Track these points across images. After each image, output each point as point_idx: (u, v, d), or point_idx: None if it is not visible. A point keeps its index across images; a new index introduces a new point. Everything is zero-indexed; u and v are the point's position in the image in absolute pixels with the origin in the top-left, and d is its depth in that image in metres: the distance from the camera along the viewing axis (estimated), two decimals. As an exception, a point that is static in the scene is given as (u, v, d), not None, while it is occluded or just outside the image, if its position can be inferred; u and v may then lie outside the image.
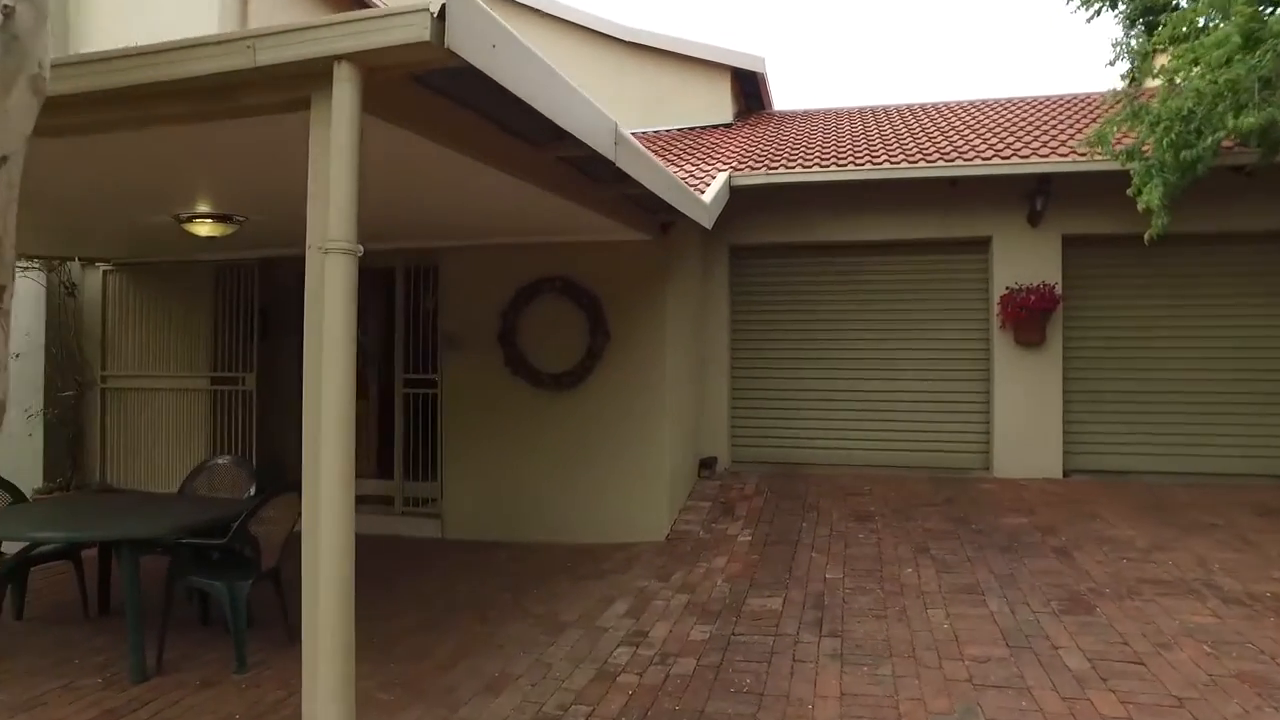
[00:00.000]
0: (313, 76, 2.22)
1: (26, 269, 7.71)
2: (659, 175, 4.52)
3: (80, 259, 7.85)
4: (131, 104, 2.42)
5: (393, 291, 7.36)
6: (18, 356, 7.77)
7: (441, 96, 2.72)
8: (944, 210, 8.01)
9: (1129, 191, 6.15)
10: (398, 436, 7.20)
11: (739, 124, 11.05)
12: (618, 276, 6.63)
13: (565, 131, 3.06)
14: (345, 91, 2.16)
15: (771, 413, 8.58)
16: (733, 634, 4.42)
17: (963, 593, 4.90)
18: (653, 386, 6.60)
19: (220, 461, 5.29)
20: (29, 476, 7.86)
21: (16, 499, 5.07)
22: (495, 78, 2.34)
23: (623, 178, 4.37)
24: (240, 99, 2.34)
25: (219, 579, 4.06)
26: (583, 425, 6.66)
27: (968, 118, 9.60)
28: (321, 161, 2.21)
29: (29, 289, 7.82)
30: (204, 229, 4.82)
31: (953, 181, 7.77)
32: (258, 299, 7.59)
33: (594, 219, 5.30)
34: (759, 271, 8.72)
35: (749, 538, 6.30)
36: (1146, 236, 6.07)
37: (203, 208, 4.68)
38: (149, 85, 2.30)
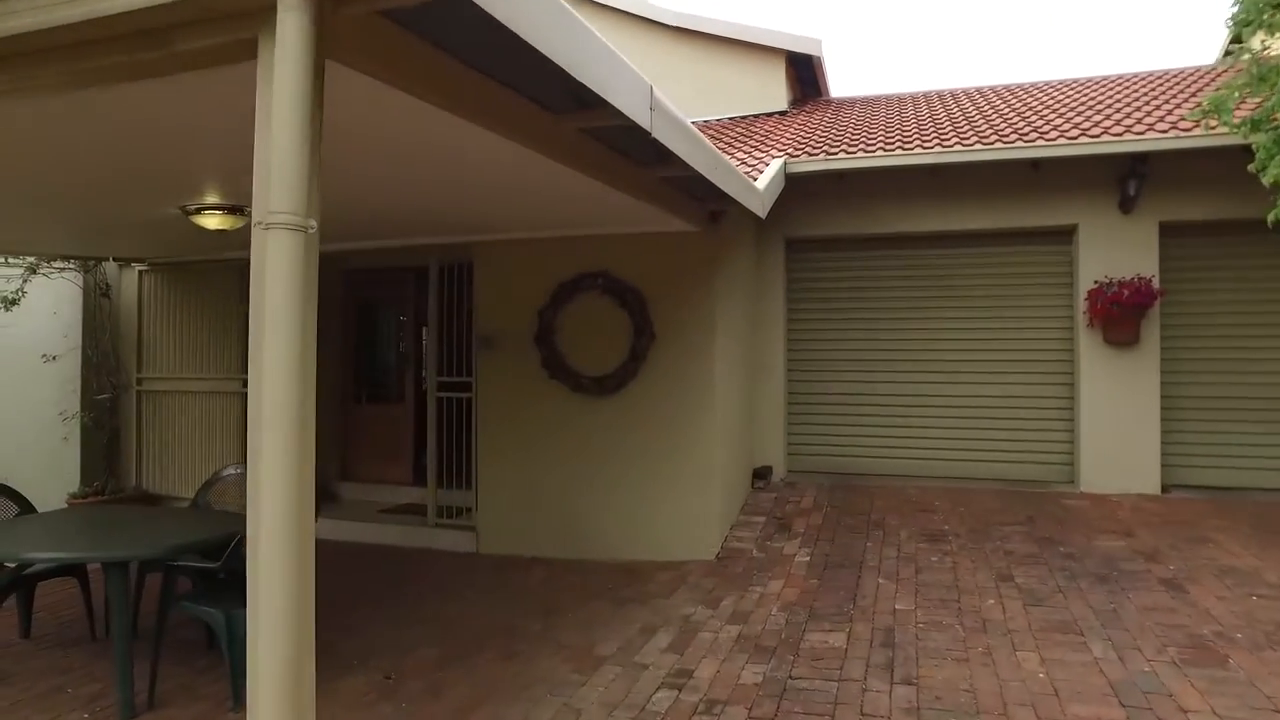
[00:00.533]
0: (258, 12, 1.76)
1: (63, 270, 7.57)
2: (703, 151, 3.97)
3: (115, 259, 7.67)
4: (54, 58, 2.00)
5: (426, 290, 6.98)
6: (55, 359, 7.64)
7: (429, 43, 2.24)
8: (1023, 197, 7.27)
9: (1251, 167, 5.34)
10: (430, 443, 6.81)
11: (794, 112, 10.42)
12: (663, 272, 6.11)
13: (587, 91, 2.56)
14: (292, 25, 1.69)
15: (831, 419, 7.94)
16: (789, 677, 3.85)
17: (1056, 631, 4.23)
18: (701, 390, 6.05)
19: (231, 472, 4.93)
20: (66, 481, 7.72)
21: (24, 509, 4.81)
22: (486, 8, 1.84)
23: (663, 157, 3.85)
24: (176, 43, 1.90)
25: (216, 605, 3.67)
26: (625, 432, 6.15)
27: (1048, 98, 8.79)
28: (265, 115, 1.74)
29: (66, 290, 7.68)
30: (212, 221, 4.46)
31: (1034, 164, 7.03)
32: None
33: (634, 207, 4.79)
34: (817, 266, 8.09)
35: (807, 558, 5.71)
36: (1271, 219, 5.26)
37: (208, 198, 4.31)
38: (66, 29, 1.87)
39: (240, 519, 4.26)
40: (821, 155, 7.38)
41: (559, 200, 4.67)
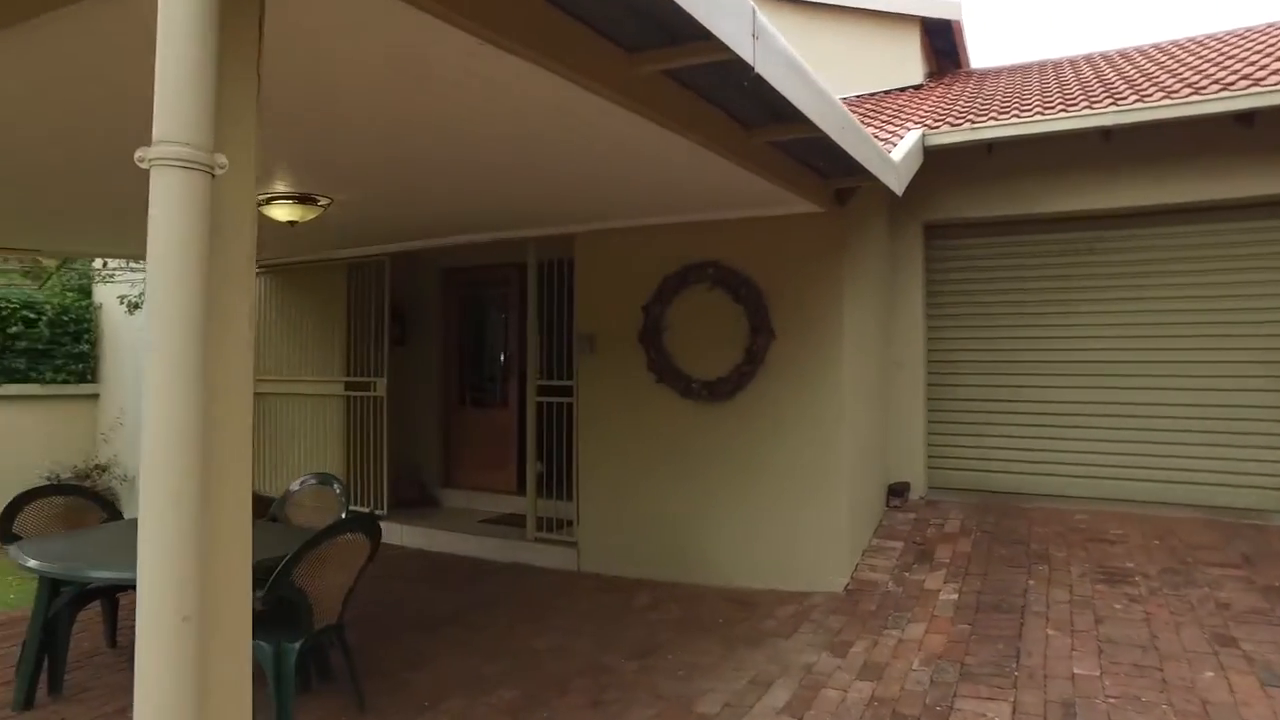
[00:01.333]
0: None
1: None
2: (825, 104, 3.22)
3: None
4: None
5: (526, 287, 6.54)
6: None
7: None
8: (1226, 162, 5.98)
9: None
10: (530, 452, 6.35)
11: (930, 85, 9.32)
12: (784, 261, 5.36)
13: (668, 6, 1.91)
14: None
15: (979, 428, 6.89)
16: (940, 764, 3.05)
17: (1308, 720, 3.19)
18: (827, 396, 5.26)
19: (300, 485, 4.60)
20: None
21: (111, 516, 4.66)
22: None
23: (775, 112, 3.15)
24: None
25: (266, 638, 3.27)
26: (741, 443, 5.45)
27: (1246, 43, 7.34)
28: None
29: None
30: (282, 212, 4.13)
31: (1244, 118, 5.74)
32: (387, 298, 7.03)
33: (744, 184, 4.10)
34: (962, 254, 7.06)
35: (954, 596, 4.81)
36: None
37: (275, 185, 3.97)
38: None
39: (303, 536, 3.90)
40: (966, 124, 6.38)
41: (655, 170, 4.03)
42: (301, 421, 7.57)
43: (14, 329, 8.84)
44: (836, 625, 4.56)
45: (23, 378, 8.94)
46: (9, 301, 8.84)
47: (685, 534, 5.60)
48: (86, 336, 9.43)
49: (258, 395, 7.78)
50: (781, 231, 5.30)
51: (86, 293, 9.51)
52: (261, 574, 3.36)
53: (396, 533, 6.91)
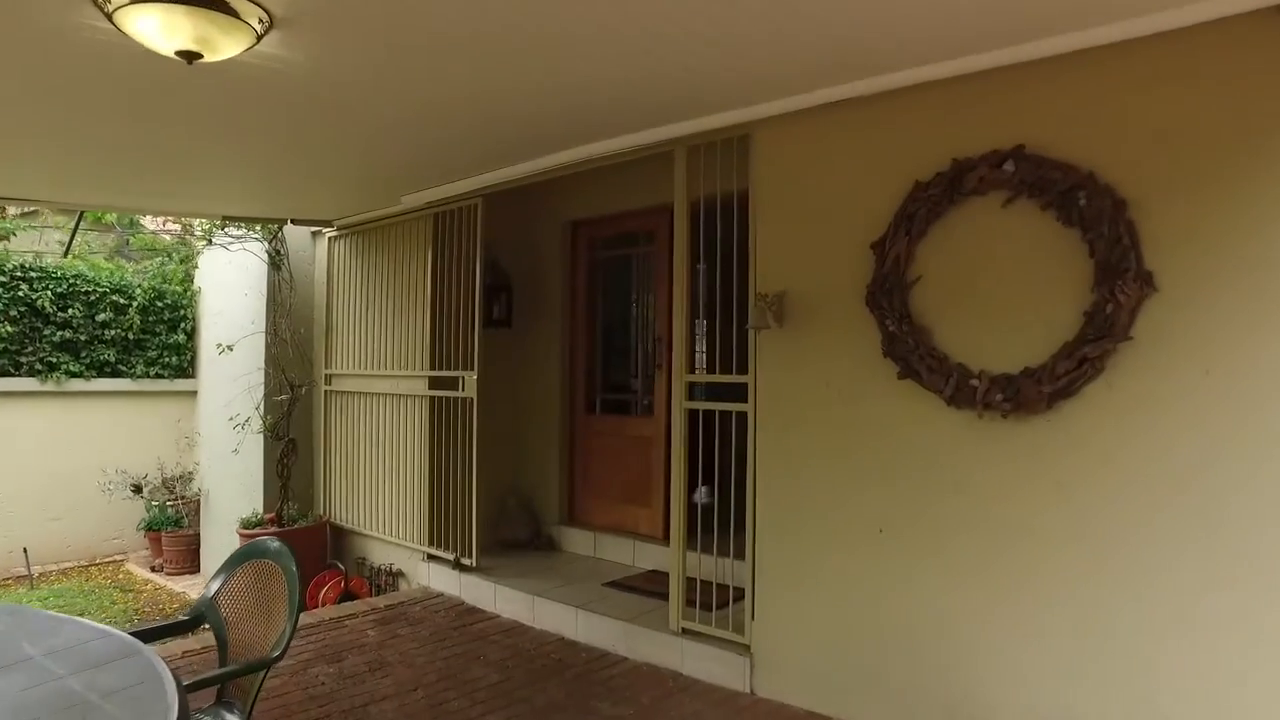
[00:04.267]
0: None
1: (242, 237, 6.02)
2: None
3: (294, 221, 5.95)
4: None
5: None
6: (231, 349, 6.10)
7: None
8: None
9: None
10: (675, 485, 3.98)
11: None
12: (1175, 137, 2.64)
13: None
14: None
15: None
16: None
17: None
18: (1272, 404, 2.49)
19: (226, 576, 2.47)
20: (240, 504, 6.18)
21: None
22: None
23: None
24: None
25: None
26: (1084, 496, 2.77)
27: None
28: None
29: (255, 267, 6.13)
30: (161, 28, 2.02)
31: None
32: (479, 255, 4.92)
33: None
34: None
35: None
36: None
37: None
38: None
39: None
40: None
41: None
42: (388, 425, 5.65)
43: (102, 315, 7.69)
44: None
45: (112, 371, 7.79)
46: (97, 285, 7.71)
47: (955, 649, 3.01)
48: (184, 325, 8.19)
49: (338, 394, 5.99)
50: (1172, 72, 2.60)
51: (183, 278, 8.25)
52: None
53: (488, 595, 4.80)
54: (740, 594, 3.78)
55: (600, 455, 5.66)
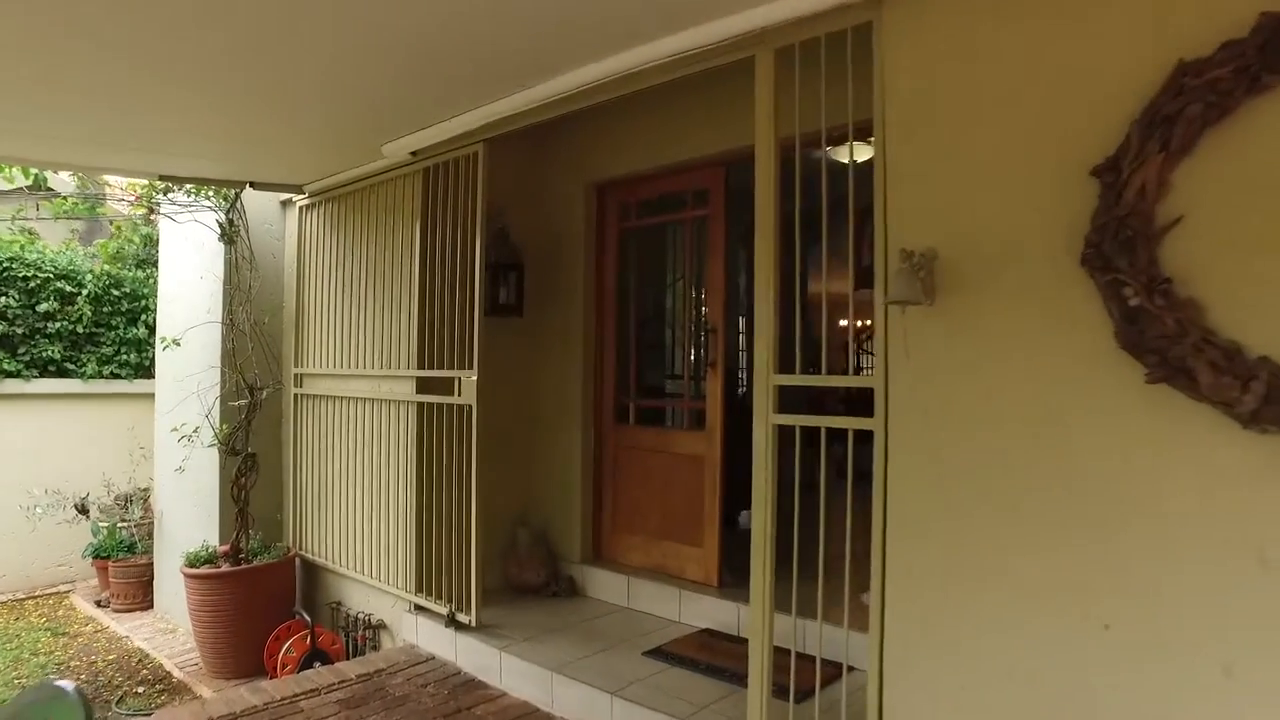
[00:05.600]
0: None
1: (192, 206, 4.88)
2: None
3: (255, 185, 4.79)
4: None
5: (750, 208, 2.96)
6: (178, 343, 4.97)
7: None
8: None
9: None
10: (757, 528, 2.79)
11: None
12: None
13: None
14: None
15: None
16: None
17: None
18: None
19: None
20: (197, 530, 5.06)
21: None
22: None
23: None
24: None
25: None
26: None
27: None
28: None
29: (210, 243, 4.98)
30: None
31: None
32: (479, 219, 3.75)
33: None
34: None
35: None
36: None
37: None
38: None
39: None
40: None
41: None
42: (355, 438, 4.51)
43: (45, 305, 6.58)
44: None
45: (58, 370, 6.68)
46: (39, 269, 6.60)
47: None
48: (145, 318, 7.07)
49: (310, 398, 4.80)
50: None
51: (145, 261, 7.12)
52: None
53: (491, 662, 3.64)
54: (834, 669, 2.62)
55: (635, 478, 4.49)
